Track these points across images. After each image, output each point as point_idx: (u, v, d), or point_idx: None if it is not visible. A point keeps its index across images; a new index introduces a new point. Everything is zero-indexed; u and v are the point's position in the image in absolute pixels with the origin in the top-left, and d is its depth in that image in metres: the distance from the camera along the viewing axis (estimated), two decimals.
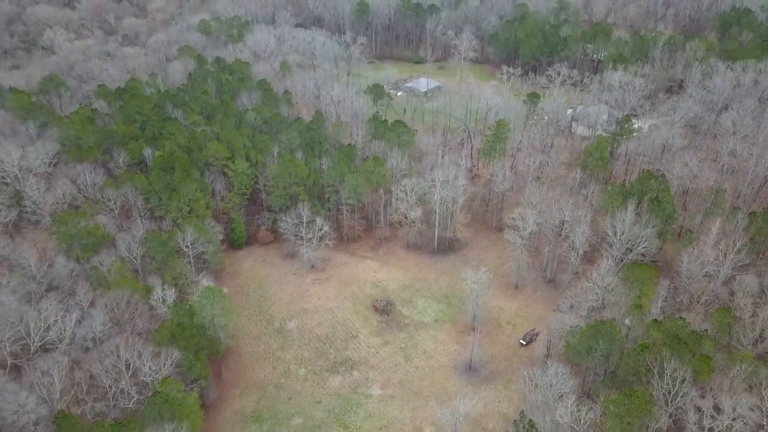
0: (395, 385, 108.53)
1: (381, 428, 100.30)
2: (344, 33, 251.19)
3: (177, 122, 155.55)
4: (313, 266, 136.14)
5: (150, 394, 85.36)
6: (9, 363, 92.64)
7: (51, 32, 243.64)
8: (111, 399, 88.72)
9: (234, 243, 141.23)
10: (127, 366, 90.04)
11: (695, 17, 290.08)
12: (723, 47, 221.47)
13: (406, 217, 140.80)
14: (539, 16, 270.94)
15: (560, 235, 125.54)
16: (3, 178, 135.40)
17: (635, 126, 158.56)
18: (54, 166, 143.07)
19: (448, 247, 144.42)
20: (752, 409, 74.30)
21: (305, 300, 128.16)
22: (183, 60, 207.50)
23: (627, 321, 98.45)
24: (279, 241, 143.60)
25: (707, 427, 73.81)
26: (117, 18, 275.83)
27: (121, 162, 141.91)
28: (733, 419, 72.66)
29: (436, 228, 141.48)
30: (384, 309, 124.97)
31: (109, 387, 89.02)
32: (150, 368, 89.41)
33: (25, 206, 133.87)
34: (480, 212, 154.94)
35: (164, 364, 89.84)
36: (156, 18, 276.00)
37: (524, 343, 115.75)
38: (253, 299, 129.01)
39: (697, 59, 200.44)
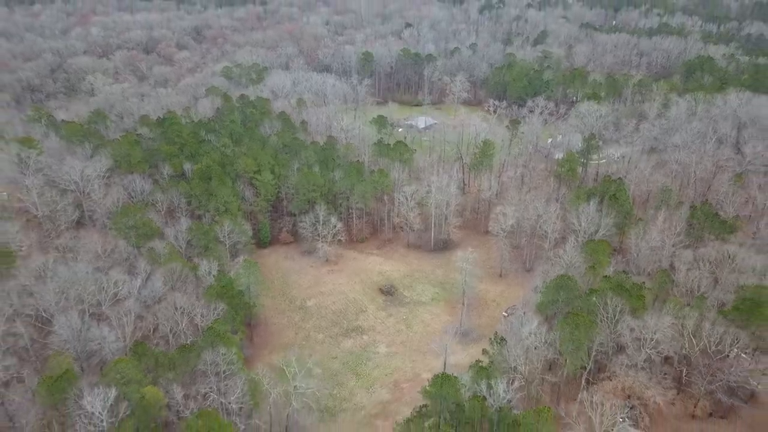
0: (398, 344, 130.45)
1: (387, 375, 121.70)
2: (350, 77, 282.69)
3: (210, 144, 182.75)
4: (327, 260, 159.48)
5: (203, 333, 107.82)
6: (88, 312, 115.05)
7: (92, 77, 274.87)
8: (171, 339, 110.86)
9: (260, 242, 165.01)
10: (182, 313, 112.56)
11: (666, 65, 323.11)
12: (685, 87, 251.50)
13: (407, 221, 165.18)
14: (525, 63, 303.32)
15: (536, 228, 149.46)
16: (68, 185, 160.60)
17: (603, 153, 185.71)
18: (108, 177, 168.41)
19: (443, 246, 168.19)
20: (671, 326, 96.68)
21: (321, 285, 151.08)
22: (210, 98, 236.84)
23: None
24: (298, 242, 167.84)
25: (641, 338, 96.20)
26: (148, 67, 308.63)
27: (165, 173, 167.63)
28: (657, 332, 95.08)
29: (433, 229, 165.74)
30: (388, 291, 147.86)
31: (170, 331, 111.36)
32: (202, 314, 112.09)
33: (84, 209, 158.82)
34: (470, 219, 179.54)
35: (214, 312, 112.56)
36: (182, 66, 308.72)
37: (506, 315, 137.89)
38: (277, 285, 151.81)
39: (660, 95, 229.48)
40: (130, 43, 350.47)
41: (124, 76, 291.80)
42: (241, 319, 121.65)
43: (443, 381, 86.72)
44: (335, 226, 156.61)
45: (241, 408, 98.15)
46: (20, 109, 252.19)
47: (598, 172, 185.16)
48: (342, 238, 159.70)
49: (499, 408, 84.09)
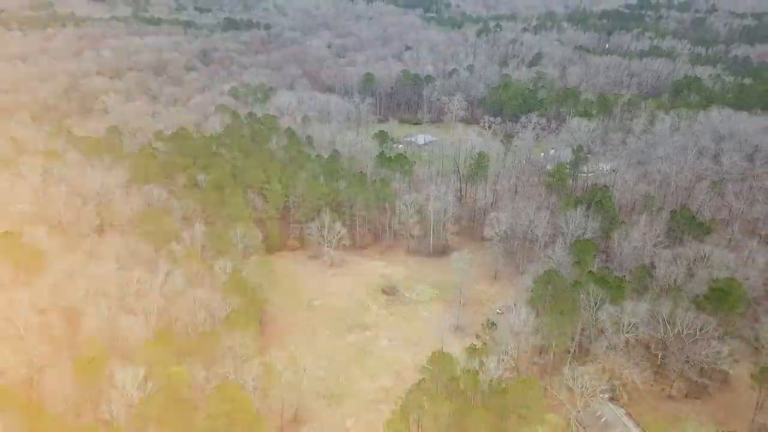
0: (399, 338, 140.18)
1: (389, 365, 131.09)
2: (353, 96, 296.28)
3: (222, 156, 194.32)
4: (332, 264, 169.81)
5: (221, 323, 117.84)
6: (115, 305, 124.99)
7: (105, 97, 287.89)
8: (191, 329, 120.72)
9: (269, 247, 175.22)
10: (201, 306, 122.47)
11: (655, 85, 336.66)
12: (672, 105, 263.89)
13: (407, 228, 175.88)
14: (520, 83, 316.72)
15: (528, 233, 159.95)
16: (89, 194, 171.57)
17: (592, 167, 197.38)
18: (127, 187, 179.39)
19: (441, 251, 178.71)
20: (647, 312, 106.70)
21: (327, 287, 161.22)
22: (220, 116, 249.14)
23: None
24: (304, 248, 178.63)
25: (620, 323, 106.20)
26: (158, 87, 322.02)
27: (180, 183, 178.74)
28: (634, 317, 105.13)
29: (431, 235, 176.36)
30: (390, 291, 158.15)
31: (190, 321, 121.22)
32: (219, 306, 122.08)
33: (104, 217, 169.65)
34: (467, 227, 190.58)
35: (229, 306, 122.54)
36: (191, 86, 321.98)
37: (499, 312, 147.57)
38: (286, 287, 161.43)
39: (647, 112, 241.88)
40: (140, 65, 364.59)
41: (137, 96, 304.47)
42: (254, 314, 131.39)
43: (440, 358, 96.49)
44: (340, 232, 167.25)
45: (255, 388, 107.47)
46: (39, 128, 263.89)
47: (587, 184, 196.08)
48: (346, 243, 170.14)
49: (490, 381, 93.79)
